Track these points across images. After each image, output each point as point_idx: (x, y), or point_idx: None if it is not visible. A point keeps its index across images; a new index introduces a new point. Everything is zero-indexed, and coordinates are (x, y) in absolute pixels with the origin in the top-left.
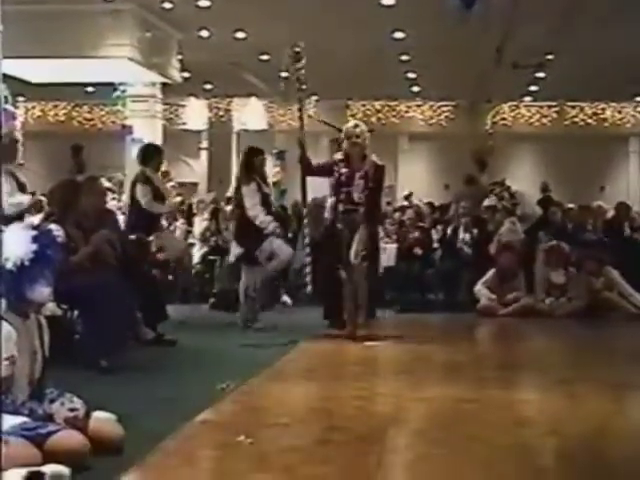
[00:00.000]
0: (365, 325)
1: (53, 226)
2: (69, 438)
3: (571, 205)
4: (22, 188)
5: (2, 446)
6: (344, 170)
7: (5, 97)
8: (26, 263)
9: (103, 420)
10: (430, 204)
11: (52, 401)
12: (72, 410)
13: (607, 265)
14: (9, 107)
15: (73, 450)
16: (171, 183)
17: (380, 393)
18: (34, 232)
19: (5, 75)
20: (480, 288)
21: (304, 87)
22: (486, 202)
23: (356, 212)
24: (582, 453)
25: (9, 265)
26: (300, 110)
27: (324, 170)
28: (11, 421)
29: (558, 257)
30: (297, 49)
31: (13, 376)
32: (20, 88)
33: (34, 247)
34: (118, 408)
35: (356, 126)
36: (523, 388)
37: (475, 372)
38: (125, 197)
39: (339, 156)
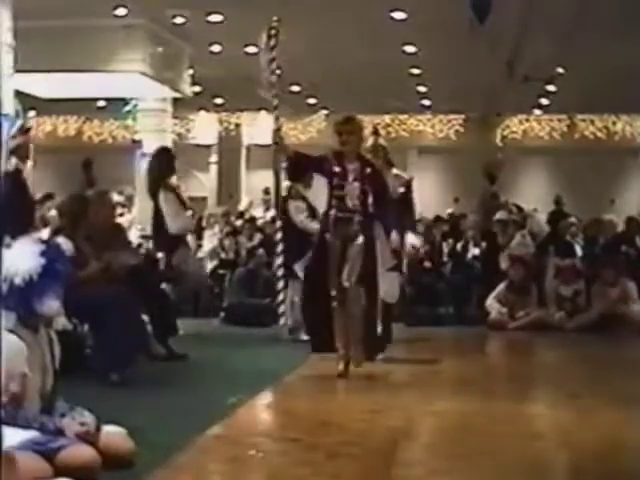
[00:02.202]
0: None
1: (61, 239)
2: (80, 452)
3: (573, 219)
4: (184, 205)
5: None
6: (337, 169)
7: (16, 111)
8: (35, 277)
9: (114, 434)
10: (438, 217)
11: (63, 415)
12: (83, 424)
13: (624, 276)
14: (20, 121)
15: (84, 464)
16: None
17: (390, 407)
18: (42, 246)
19: (16, 90)
20: (491, 302)
21: (278, 72)
22: (497, 215)
23: (351, 221)
24: (593, 466)
25: (18, 280)
26: (275, 96)
27: (311, 163)
28: (22, 435)
29: (569, 273)
30: (273, 25)
31: (24, 391)
32: (31, 103)
33: (42, 261)
34: (129, 422)
35: (347, 121)
36: (534, 402)
37: (486, 386)
38: (272, 212)
39: (330, 154)
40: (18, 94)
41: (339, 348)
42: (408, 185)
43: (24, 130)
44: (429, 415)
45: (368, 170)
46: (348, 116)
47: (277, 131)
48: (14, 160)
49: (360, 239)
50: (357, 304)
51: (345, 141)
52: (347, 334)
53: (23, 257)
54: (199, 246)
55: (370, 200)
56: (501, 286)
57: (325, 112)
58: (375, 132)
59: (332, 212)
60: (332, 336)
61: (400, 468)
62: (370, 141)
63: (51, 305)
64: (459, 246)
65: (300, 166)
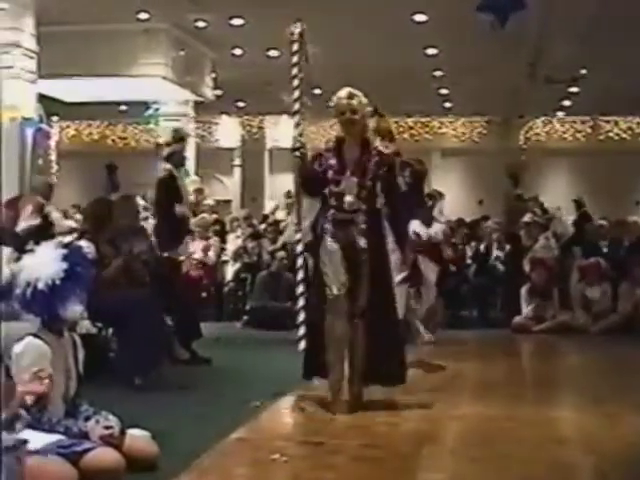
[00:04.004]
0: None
1: (83, 243)
2: (104, 455)
3: (603, 222)
4: None
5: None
6: (332, 162)
7: (40, 116)
8: (57, 282)
9: (138, 437)
10: (461, 220)
11: (87, 419)
12: (107, 428)
13: None
14: (44, 126)
15: (108, 467)
16: (206, 201)
17: (414, 410)
18: (64, 250)
19: (40, 95)
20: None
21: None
22: (526, 218)
23: (351, 224)
24: (619, 472)
25: (41, 285)
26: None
27: (319, 176)
28: (47, 439)
29: (594, 272)
30: (298, 29)
31: (49, 394)
32: (55, 107)
33: (64, 266)
34: (153, 425)
35: (351, 96)
36: (559, 406)
37: (510, 390)
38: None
39: (328, 143)
40: (42, 99)
41: (332, 376)
42: (418, 176)
43: (178, 138)
44: (453, 419)
45: (374, 160)
46: (352, 91)
47: (299, 137)
48: (168, 166)
49: (363, 245)
50: (360, 335)
51: (349, 122)
52: (340, 359)
53: (45, 262)
54: (222, 249)
55: (379, 198)
56: (524, 289)
57: None
58: (377, 113)
59: (330, 213)
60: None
61: (424, 472)
62: (372, 123)
63: (74, 309)
64: (482, 247)
65: (313, 183)
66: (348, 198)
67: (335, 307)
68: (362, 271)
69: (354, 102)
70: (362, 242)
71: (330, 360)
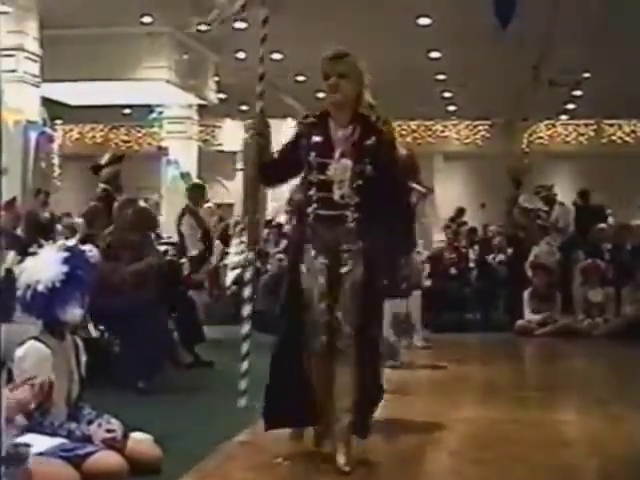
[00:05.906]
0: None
1: (87, 247)
2: (107, 459)
3: (603, 225)
4: None
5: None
6: (317, 139)
7: (44, 120)
8: (57, 285)
9: (141, 441)
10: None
11: (90, 422)
12: (110, 431)
13: None
14: (48, 130)
15: (111, 471)
16: (208, 204)
17: (418, 413)
18: (65, 254)
19: (44, 98)
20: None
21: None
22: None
23: (341, 222)
24: (624, 473)
25: (40, 287)
26: None
27: (291, 157)
28: (49, 442)
29: (594, 274)
30: None
31: (51, 397)
32: (58, 111)
33: (65, 269)
34: (155, 429)
35: (339, 57)
36: (563, 409)
37: (514, 392)
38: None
39: (308, 118)
40: (45, 102)
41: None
42: (407, 168)
43: None
44: (456, 422)
45: (371, 140)
46: (342, 50)
47: (261, 114)
48: None
49: (357, 253)
50: (349, 352)
51: (334, 87)
52: (330, 398)
53: (46, 264)
54: (226, 253)
55: (374, 189)
56: (526, 293)
57: None
58: None
59: (311, 209)
60: (302, 406)
61: (428, 475)
62: None
63: (74, 312)
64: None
65: (275, 176)
66: (339, 187)
67: (316, 335)
68: (353, 288)
69: (341, 64)
70: (355, 247)
71: (319, 406)
